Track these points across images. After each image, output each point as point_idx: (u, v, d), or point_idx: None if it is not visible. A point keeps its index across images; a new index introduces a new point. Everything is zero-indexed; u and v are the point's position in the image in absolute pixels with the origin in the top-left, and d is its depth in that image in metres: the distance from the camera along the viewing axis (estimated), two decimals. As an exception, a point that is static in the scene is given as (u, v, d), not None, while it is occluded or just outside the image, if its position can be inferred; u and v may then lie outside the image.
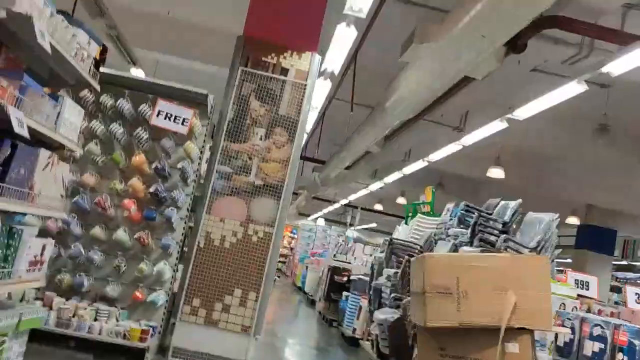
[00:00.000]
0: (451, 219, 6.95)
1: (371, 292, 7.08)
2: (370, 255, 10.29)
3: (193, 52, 8.65)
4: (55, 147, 3.37)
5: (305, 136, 5.48)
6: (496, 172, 11.07)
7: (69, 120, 3.19)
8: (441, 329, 3.01)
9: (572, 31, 4.85)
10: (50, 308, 4.68)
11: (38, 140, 3.17)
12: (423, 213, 7.81)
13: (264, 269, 5.17)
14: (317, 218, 23.24)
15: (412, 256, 6.45)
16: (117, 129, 5.08)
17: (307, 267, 15.47)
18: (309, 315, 11.66)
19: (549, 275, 3.08)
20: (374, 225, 22.03)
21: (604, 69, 4.94)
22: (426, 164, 10.80)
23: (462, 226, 6.70)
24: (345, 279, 10.11)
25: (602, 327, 3.53)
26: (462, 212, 6.80)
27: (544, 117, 7.53)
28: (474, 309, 2.94)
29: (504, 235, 5.94)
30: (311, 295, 13.80)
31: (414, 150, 11.34)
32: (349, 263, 10.80)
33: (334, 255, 12.19)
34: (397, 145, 10.05)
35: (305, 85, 5.36)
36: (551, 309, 3.05)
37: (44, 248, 3.25)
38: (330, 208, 20.16)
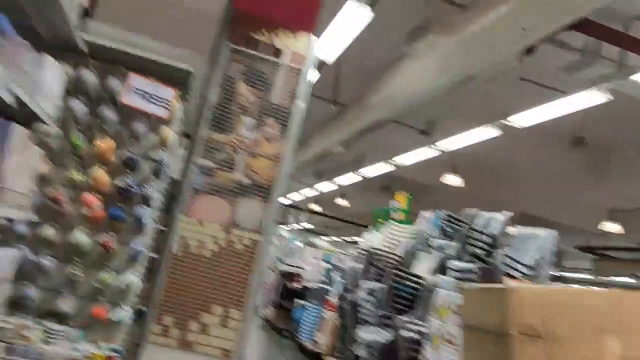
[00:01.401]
0: (432, 229, 6.54)
1: (345, 306, 6.48)
2: (325, 261, 9.68)
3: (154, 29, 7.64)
4: (24, 122, 2.50)
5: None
6: (452, 180, 10.83)
7: (49, 87, 2.34)
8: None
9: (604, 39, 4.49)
10: (-17, 327, 3.70)
11: (2, 110, 2.32)
12: (396, 220, 7.33)
13: (248, 283, 4.43)
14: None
15: (397, 268, 5.93)
16: (77, 106, 4.14)
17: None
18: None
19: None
20: (310, 226, 21.48)
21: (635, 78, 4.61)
22: (392, 167, 10.36)
23: (443, 237, 6.27)
24: (298, 285, 9.47)
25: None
26: (444, 222, 6.37)
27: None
28: (568, 358, 2.41)
29: (501, 251, 5.58)
30: (251, 300, 13.00)
31: (372, 151, 10.88)
32: (302, 268, 10.13)
33: (279, 259, 11.48)
34: (360, 146, 9.54)
35: (301, 70, 4.66)
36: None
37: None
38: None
